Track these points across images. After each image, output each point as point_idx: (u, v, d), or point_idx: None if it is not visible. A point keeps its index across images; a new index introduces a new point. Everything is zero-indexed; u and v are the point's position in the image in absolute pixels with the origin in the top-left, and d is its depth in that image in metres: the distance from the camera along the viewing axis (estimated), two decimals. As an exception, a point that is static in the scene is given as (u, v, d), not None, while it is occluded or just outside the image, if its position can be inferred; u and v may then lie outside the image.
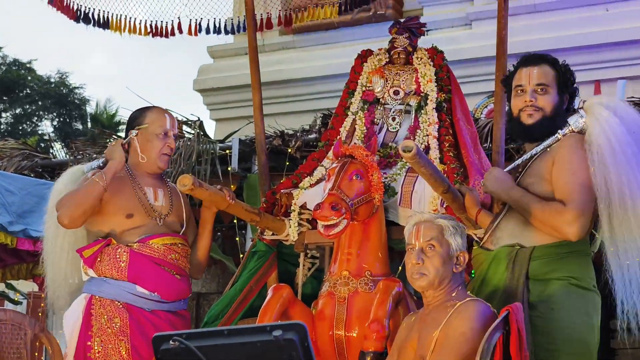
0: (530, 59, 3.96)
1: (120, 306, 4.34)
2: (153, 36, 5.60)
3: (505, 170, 3.92)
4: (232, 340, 2.18)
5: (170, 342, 2.17)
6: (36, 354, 7.00)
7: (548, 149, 3.78)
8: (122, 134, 5.08)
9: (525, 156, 3.87)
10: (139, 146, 4.56)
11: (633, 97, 6.45)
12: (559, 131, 3.74)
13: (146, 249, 4.41)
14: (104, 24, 5.55)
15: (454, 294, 3.55)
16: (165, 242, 4.47)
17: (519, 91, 3.94)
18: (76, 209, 4.32)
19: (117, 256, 4.37)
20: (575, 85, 3.95)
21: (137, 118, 4.62)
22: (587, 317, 3.70)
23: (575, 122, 3.72)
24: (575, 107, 3.98)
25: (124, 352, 4.28)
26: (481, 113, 7.42)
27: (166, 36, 5.63)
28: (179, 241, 4.53)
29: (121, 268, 4.35)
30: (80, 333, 4.32)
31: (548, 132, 3.83)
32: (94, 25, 5.55)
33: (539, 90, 3.86)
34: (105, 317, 4.31)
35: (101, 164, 4.61)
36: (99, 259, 4.37)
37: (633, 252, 3.58)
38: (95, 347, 4.29)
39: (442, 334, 3.39)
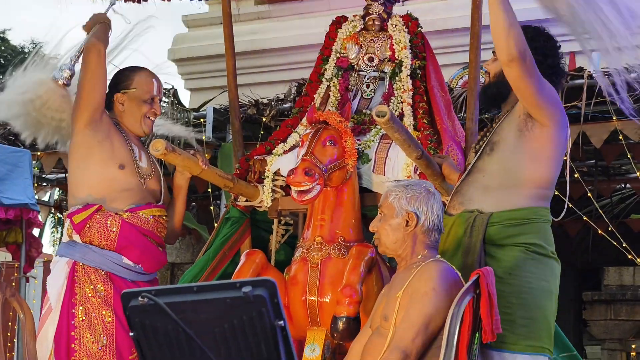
0: None
1: (104, 274, 4.27)
2: (125, 1, 5.55)
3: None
4: (201, 296, 2.17)
5: (139, 298, 2.16)
6: (9, 323, 6.99)
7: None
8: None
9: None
10: (124, 108, 4.48)
11: (607, 68, 6.47)
12: None
13: (136, 219, 4.34)
14: (77, -13, 5.49)
15: (419, 256, 3.52)
16: (153, 214, 4.41)
17: None
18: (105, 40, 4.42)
19: (108, 225, 4.28)
20: (545, 48, 3.90)
21: (124, 80, 4.51)
22: (544, 282, 3.70)
23: None
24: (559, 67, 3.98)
25: (107, 321, 4.21)
26: (457, 84, 7.42)
27: (139, 1, 5.57)
28: (164, 213, 4.49)
29: (111, 237, 4.27)
30: (64, 300, 4.23)
31: (493, 93, 3.94)
32: (66, -11, 5.49)
33: (493, 58, 3.95)
34: (90, 285, 4.24)
35: (72, 61, 4.53)
36: (87, 226, 4.28)
37: None
38: (79, 315, 4.21)
39: (406, 295, 3.38)
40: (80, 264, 4.28)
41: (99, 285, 4.25)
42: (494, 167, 3.81)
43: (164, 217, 4.49)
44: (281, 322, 2.16)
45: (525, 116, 3.77)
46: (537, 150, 3.76)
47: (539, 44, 3.89)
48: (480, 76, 4.44)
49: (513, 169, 3.76)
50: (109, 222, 4.29)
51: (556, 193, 4.02)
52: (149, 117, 4.52)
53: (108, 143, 4.38)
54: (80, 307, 4.22)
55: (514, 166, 3.76)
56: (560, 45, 3.97)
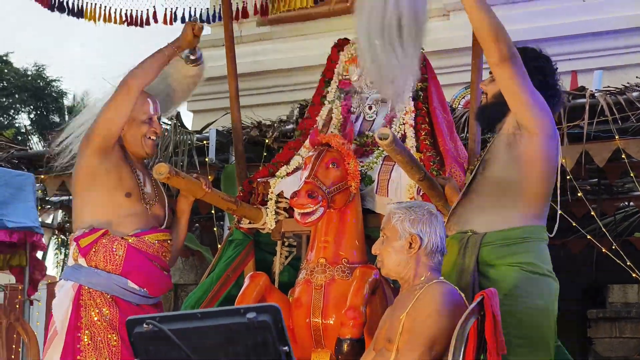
0: None
1: (109, 298, 4.27)
2: (128, 25, 5.56)
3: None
4: (205, 322, 2.18)
5: (144, 325, 2.16)
6: (13, 346, 6.99)
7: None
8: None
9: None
10: (124, 132, 4.46)
11: (609, 87, 6.49)
12: None
13: (142, 244, 4.35)
14: (79, 13, 5.49)
15: (422, 278, 3.51)
16: (159, 239, 4.43)
17: None
18: (145, 77, 4.47)
19: (114, 249, 4.29)
20: (546, 69, 3.91)
21: None
22: (540, 301, 3.66)
23: None
24: (558, 87, 3.97)
25: (113, 345, 4.21)
26: (459, 104, 7.44)
27: (141, 25, 5.58)
28: (168, 237, 4.50)
29: (116, 262, 4.28)
30: (70, 323, 4.23)
31: (489, 114, 3.94)
32: (68, 14, 5.48)
33: (490, 78, 3.95)
34: (95, 309, 4.24)
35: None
36: (93, 250, 4.29)
37: None
38: (85, 339, 4.20)
39: (409, 317, 3.37)
40: (86, 287, 4.28)
41: (104, 309, 4.25)
42: (486, 186, 3.80)
43: (169, 242, 4.50)
44: (285, 348, 2.16)
45: (514, 128, 3.76)
46: (526, 163, 3.73)
47: (540, 64, 3.90)
48: None
49: (504, 187, 3.75)
50: (114, 247, 4.30)
51: (560, 212, 4.01)
52: (149, 137, 4.50)
53: (115, 173, 4.39)
54: (86, 331, 4.22)
55: (505, 183, 3.75)
56: (557, 68, 3.99)
